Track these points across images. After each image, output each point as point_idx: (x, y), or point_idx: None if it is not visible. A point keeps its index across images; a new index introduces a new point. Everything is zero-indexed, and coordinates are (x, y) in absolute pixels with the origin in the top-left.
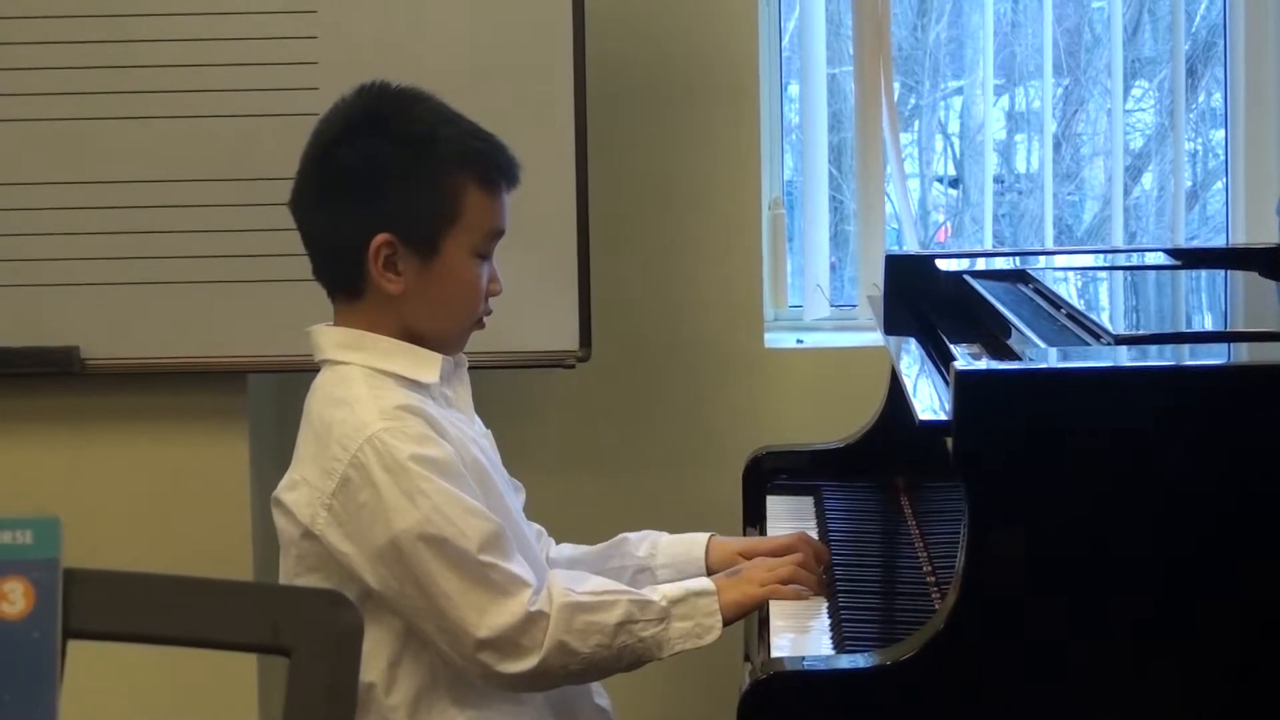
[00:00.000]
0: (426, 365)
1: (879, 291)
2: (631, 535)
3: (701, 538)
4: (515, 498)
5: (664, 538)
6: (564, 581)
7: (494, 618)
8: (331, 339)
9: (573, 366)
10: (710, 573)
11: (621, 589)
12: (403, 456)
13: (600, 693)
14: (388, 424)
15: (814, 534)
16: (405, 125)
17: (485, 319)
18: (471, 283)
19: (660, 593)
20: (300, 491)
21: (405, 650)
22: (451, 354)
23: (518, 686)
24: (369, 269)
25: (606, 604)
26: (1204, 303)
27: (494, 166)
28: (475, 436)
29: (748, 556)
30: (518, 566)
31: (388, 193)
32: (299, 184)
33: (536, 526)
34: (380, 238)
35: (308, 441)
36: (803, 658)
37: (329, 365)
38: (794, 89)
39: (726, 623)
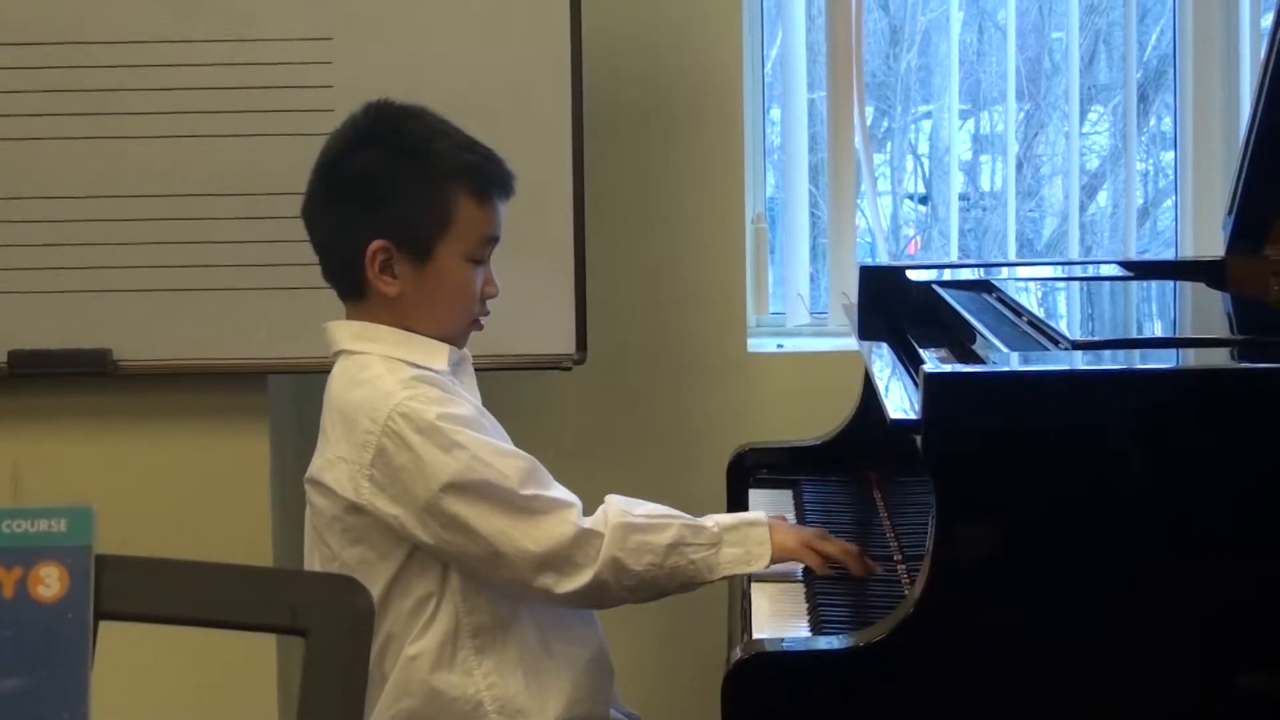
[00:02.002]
0: (435, 354)
1: (852, 300)
2: None
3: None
4: None
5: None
6: (622, 504)
7: (545, 535)
8: (346, 331)
9: (569, 369)
10: None
11: (676, 513)
12: (431, 417)
13: (609, 656)
14: (410, 392)
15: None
16: (402, 138)
17: (482, 319)
18: (465, 286)
19: (714, 520)
20: (339, 469)
21: (438, 603)
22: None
23: (577, 603)
24: (367, 273)
25: (660, 526)
26: (1155, 311)
27: (486, 177)
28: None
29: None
30: (558, 491)
31: (384, 201)
32: (309, 193)
33: None
34: (376, 243)
35: (335, 424)
36: (782, 639)
37: (345, 355)
38: (775, 112)
39: (773, 560)
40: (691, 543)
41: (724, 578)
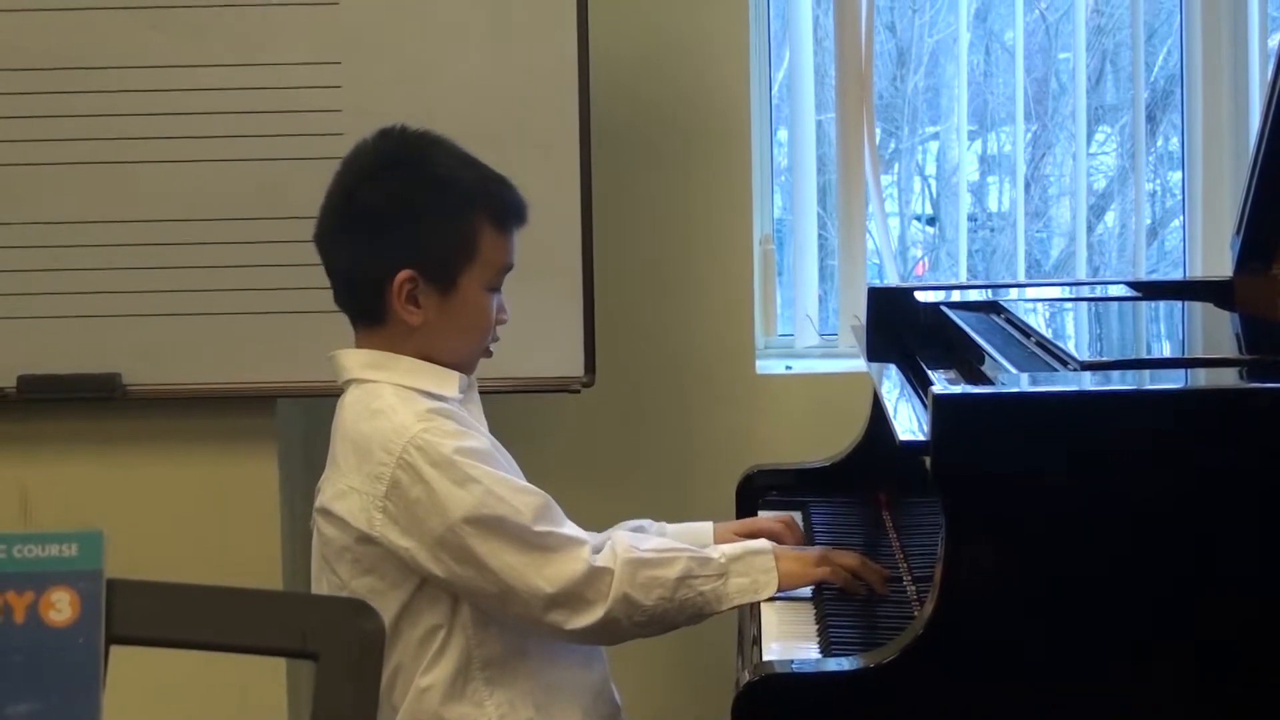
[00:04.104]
0: (446, 381)
1: (860, 322)
2: (645, 523)
3: (706, 525)
4: None
5: (670, 528)
6: (628, 540)
7: (557, 573)
8: (357, 360)
9: (578, 391)
10: None
11: (682, 547)
12: (447, 451)
13: (613, 688)
14: (425, 425)
15: None
16: (427, 168)
17: (492, 347)
18: (484, 314)
19: (719, 551)
20: (350, 500)
21: (448, 634)
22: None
23: (588, 639)
24: (391, 301)
25: (668, 560)
26: (1163, 331)
27: (506, 207)
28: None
29: (743, 534)
30: (571, 529)
31: (411, 230)
32: (323, 219)
33: None
34: (404, 274)
35: (347, 455)
36: (792, 661)
37: (356, 384)
38: (782, 134)
39: (780, 588)
40: (699, 574)
41: (733, 608)
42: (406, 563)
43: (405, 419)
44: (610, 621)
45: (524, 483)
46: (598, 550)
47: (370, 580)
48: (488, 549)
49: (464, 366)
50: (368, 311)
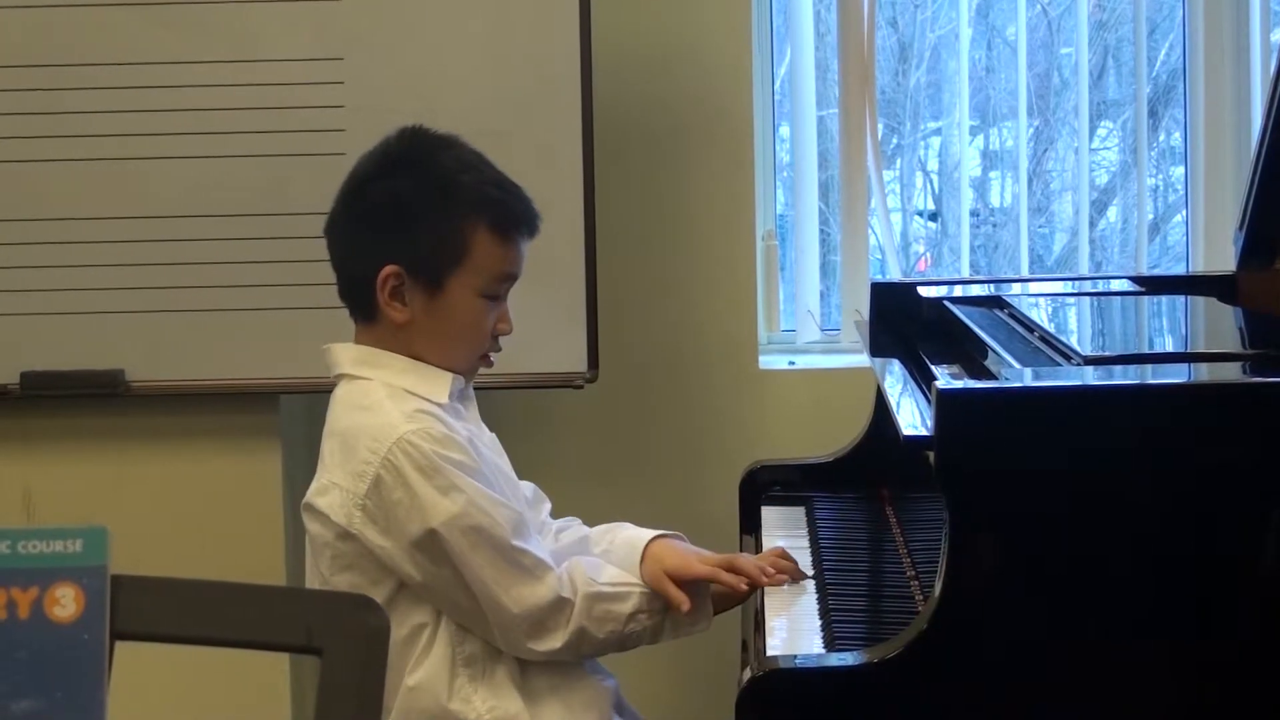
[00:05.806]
0: (437, 384)
1: (863, 317)
2: (593, 533)
3: (640, 545)
4: (538, 504)
5: (594, 531)
6: (586, 570)
7: (525, 596)
8: (348, 355)
9: (581, 387)
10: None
11: (635, 580)
12: (434, 456)
13: (605, 673)
14: (414, 426)
15: (805, 542)
16: (430, 168)
17: (492, 355)
18: (475, 321)
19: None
20: (332, 495)
21: (431, 635)
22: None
23: (536, 659)
24: (378, 297)
25: (623, 595)
26: (1165, 326)
27: (509, 215)
28: (488, 442)
29: (674, 577)
30: (540, 550)
31: (403, 229)
32: (334, 211)
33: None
34: (388, 269)
35: (334, 450)
36: (795, 656)
37: (347, 379)
38: (785, 130)
39: (714, 612)
40: (646, 609)
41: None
42: (384, 561)
43: (393, 417)
44: (564, 649)
45: (501, 497)
46: (558, 575)
47: (349, 576)
48: (465, 558)
49: (457, 372)
50: (360, 307)
